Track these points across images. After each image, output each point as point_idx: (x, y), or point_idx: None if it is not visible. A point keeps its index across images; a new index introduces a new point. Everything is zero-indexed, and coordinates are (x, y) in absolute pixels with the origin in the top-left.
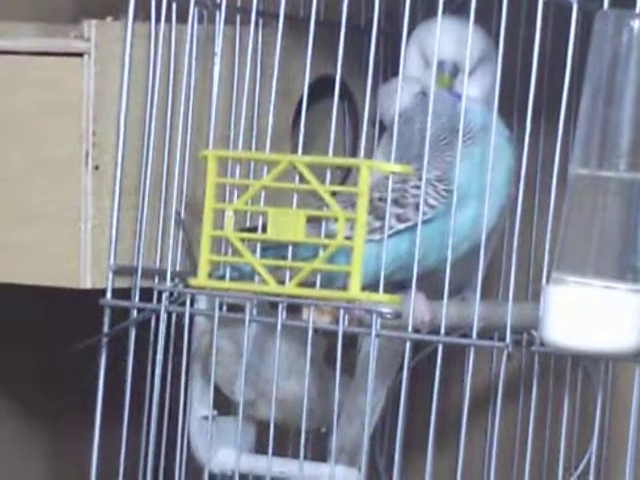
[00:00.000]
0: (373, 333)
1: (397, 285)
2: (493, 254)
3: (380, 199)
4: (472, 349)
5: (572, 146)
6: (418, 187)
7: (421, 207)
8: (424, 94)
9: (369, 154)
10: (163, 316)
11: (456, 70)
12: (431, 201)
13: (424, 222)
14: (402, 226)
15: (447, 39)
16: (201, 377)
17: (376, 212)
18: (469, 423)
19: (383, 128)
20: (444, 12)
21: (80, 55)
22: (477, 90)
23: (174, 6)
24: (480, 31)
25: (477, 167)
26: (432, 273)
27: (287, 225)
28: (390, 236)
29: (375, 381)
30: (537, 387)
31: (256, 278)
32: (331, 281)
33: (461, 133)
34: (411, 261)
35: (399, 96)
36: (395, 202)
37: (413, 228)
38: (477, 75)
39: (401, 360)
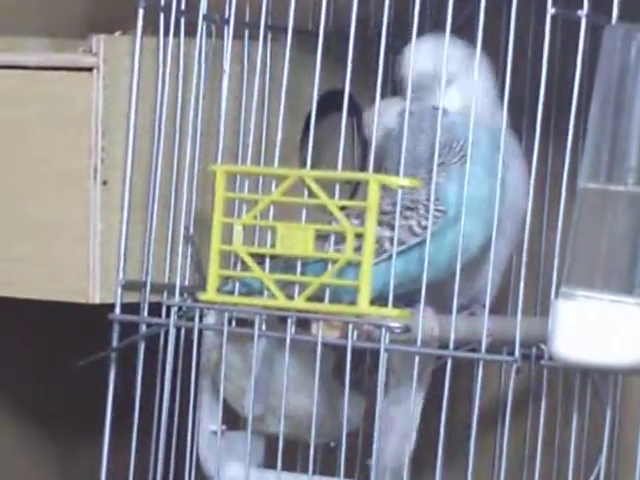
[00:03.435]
0: (382, 348)
1: (401, 299)
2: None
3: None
4: (481, 363)
5: (581, 160)
6: (410, 209)
7: (429, 226)
8: (410, 113)
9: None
10: (172, 331)
11: (429, 87)
12: (423, 222)
13: (418, 243)
14: (398, 249)
15: (419, 56)
16: (210, 392)
17: None
18: (478, 437)
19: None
20: (452, 27)
21: (89, 70)
22: (458, 103)
23: (182, 21)
24: (458, 44)
25: (469, 185)
26: (432, 289)
27: (296, 240)
28: (385, 259)
29: (409, 394)
30: (546, 401)
31: (265, 293)
32: (340, 296)
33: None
34: (409, 279)
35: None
36: (388, 225)
37: (407, 249)
38: (454, 88)
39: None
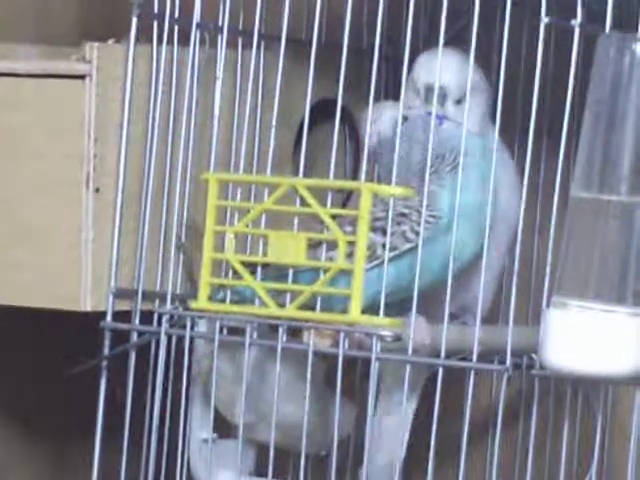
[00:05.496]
0: (373, 356)
1: (393, 309)
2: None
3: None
4: (472, 372)
5: (573, 169)
6: (403, 215)
7: (421, 235)
8: (405, 118)
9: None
10: (163, 339)
11: (444, 96)
12: (417, 228)
13: (411, 249)
14: (390, 254)
15: (439, 65)
16: (201, 400)
17: None
18: (469, 447)
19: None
20: (445, 36)
21: (82, 77)
22: (467, 119)
23: (176, 29)
24: (473, 63)
25: (462, 194)
26: (424, 299)
27: (288, 248)
28: (378, 265)
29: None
30: (537, 411)
31: (256, 301)
32: (331, 304)
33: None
34: (401, 287)
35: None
36: (381, 230)
37: (400, 255)
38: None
39: (424, 381)
